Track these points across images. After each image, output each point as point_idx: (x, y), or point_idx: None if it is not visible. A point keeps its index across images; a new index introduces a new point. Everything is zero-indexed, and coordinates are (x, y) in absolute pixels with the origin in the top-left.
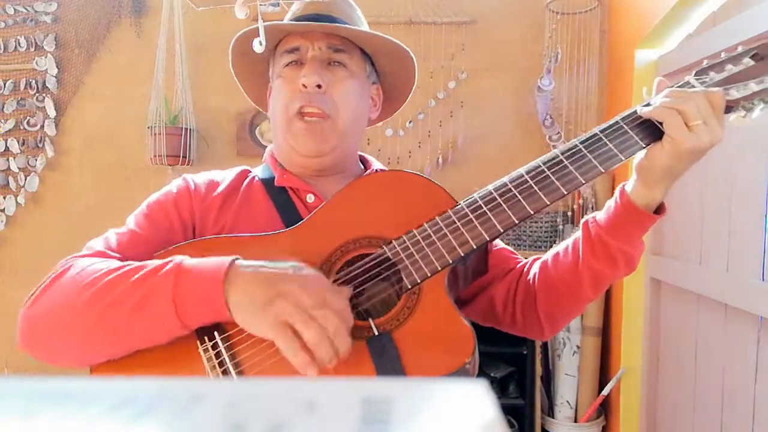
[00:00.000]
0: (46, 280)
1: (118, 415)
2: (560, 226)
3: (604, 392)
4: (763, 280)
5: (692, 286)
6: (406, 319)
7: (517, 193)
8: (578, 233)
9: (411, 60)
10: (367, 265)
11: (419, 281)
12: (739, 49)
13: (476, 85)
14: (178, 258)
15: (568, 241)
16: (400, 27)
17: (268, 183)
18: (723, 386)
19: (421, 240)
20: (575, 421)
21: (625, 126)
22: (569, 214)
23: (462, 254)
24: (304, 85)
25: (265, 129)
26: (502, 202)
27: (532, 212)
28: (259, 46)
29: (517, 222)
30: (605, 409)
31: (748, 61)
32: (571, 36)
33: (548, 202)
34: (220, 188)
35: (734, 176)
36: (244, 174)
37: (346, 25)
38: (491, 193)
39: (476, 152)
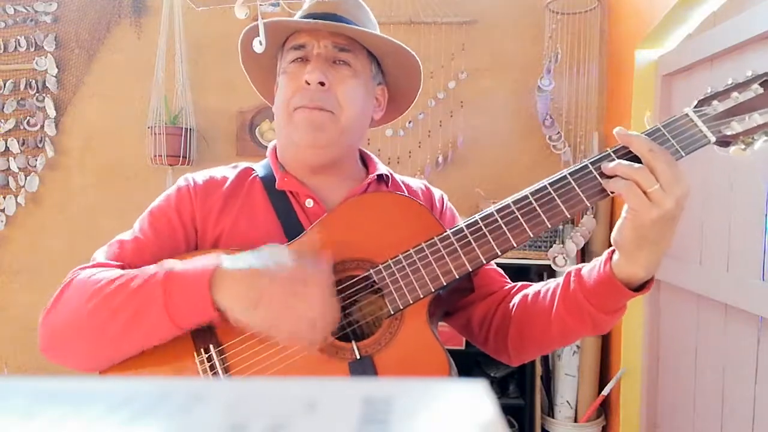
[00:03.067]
0: (56, 292)
1: (118, 415)
2: (560, 226)
3: (604, 392)
4: (763, 280)
5: (692, 286)
6: (387, 344)
7: (502, 224)
8: (560, 280)
9: (416, 62)
10: (353, 288)
11: (402, 308)
12: (749, 74)
13: (476, 85)
14: (168, 264)
15: (551, 283)
16: (401, 27)
17: (268, 185)
18: (723, 386)
19: (406, 266)
20: (575, 421)
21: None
22: None
23: (445, 283)
24: (307, 82)
25: (265, 129)
26: (487, 233)
27: (515, 245)
28: (258, 45)
29: (500, 254)
30: (605, 409)
31: (757, 88)
32: (571, 36)
33: (532, 235)
34: (222, 189)
35: (734, 176)
36: (246, 173)
37: (352, 26)
38: (477, 222)
39: (476, 152)
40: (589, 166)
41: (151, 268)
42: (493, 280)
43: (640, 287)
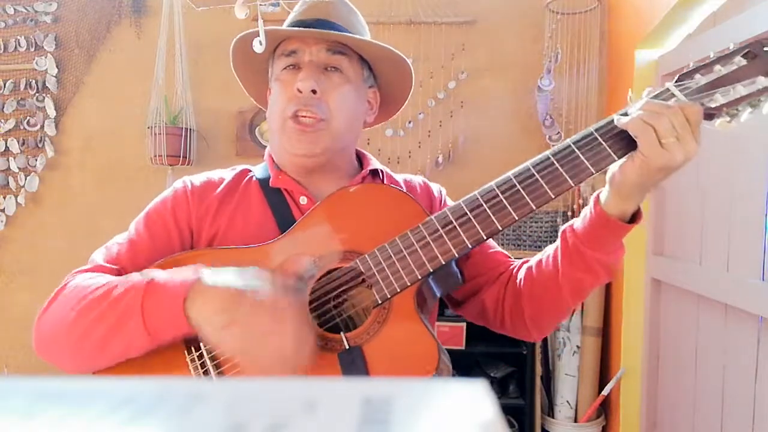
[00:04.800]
0: (51, 296)
1: (118, 415)
2: (560, 226)
3: (604, 392)
4: (763, 280)
5: (692, 286)
6: (375, 333)
7: (486, 208)
8: (557, 242)
9: (407, 66)
10: (341, 279)
11: (389, 296)
12: (731, 46)
13: (476, 85)
14: (150, 275)
15: (549, 249)
16: (401, 27)
17: (264, 183)
18: (723, 386)
19: (392, 254)
20: (575, 421)
21: (599, 137)
22: (569, 213)
23: (431, 270)
24: (299, 90)
25: (265, 129)
26: (471, 218)
27: (500, 228)
28: (259, 45)
29: (485, 238)
30: (605, 409)
31: (740, 60)
32: (571, 36)
33: (517, 218)
34: (218, 189)
35: (734, 176)
36: (243, 174)
37: (344, 32)
38: (462, 208)
39: (476, 152)
40: (594, 132)
41: (134, 277)
42: (498, 263)
43: (630, 221)
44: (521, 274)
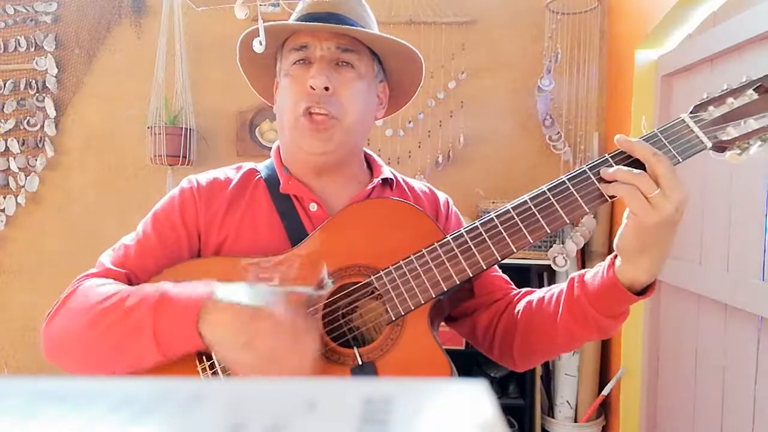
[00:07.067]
0: (58, 300)
1: (118, 415)
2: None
3: (604, 392)
4: (763, 280)
5: (692, 286)
6: (389, 349)
7: (502, 230)
8: (564, 285)
9: (419, 60)
10: (355, 295)
11: (403, 313)
12: (744, 79)
13: (476, 85)
14: (163, 287)
15: (555, 289)
16: (401, 27)
17: (272, 186)
18: (723, 386)
19: (407, 272)
20: (575, 421)
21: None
22: None
23: (446, 289)
24: (312, 87)
25: (265, 129)
26: (487, 238)
27: (515, 250)
28: (258, 46)
29: (500, 259)
30: (605, 409)
31: (751, 94)
32: (571, 36)
33: (531, 241)
34: (225, 192)
35: (734, 176)
36: (250, 175)
37: (355, 26)
38: (477, 228)
39: (476, 152)
40: (588, 171)
41: (147, 289)
42: (497, 288)
43: (643, 291)
44: (519, 307)
